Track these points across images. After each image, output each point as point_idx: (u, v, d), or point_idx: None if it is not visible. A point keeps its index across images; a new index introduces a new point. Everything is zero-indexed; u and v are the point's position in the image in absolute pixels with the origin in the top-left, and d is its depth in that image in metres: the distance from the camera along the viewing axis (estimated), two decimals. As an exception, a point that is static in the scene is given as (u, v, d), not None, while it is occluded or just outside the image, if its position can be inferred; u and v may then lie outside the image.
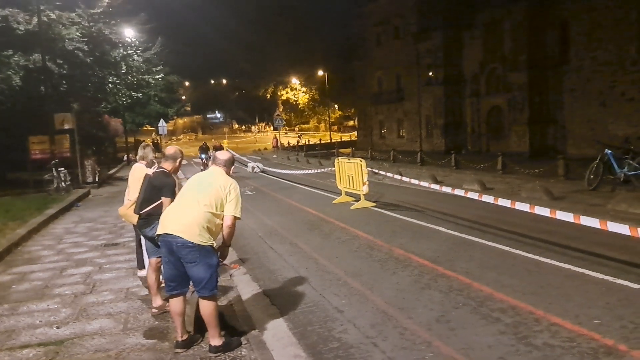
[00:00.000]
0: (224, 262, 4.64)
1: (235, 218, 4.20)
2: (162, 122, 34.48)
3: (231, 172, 4.46)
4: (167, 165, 5.09)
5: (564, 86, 27.79)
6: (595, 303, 4.98)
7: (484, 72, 33.02)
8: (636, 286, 5.36)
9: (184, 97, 72.87)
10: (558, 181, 13.84)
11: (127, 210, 5.56)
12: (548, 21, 28.32)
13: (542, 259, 6.65)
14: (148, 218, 4.95)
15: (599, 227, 5.86)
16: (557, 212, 6.65)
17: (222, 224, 4.19)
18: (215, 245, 4.18)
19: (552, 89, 28.48)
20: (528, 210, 7.29)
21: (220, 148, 26.51)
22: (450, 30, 35.61)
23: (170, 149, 5.31)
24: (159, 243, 4.24)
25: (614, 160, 11.80)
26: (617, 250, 6.69)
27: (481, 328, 4.59)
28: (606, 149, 12.13)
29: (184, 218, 4.08)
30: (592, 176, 12.19)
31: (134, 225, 5.63)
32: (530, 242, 7.57)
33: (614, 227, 5.71)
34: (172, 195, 4.72)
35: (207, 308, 4.19)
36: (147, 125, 47.48)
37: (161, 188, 4.85)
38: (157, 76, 32.26)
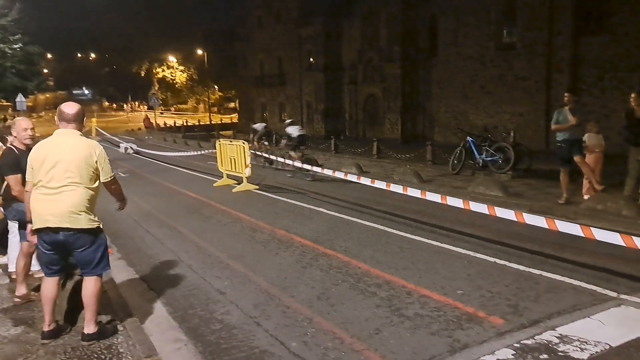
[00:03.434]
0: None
1: (115, 180, 4.09)
2: (20, 97, 30.98)
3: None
4: (17, 143, 4.71)
5: (432, 78, 29.80)
6: (458, 275, 5.48)
7: (362, 61, 34.24)
8: (492, 259, 5.98)
9: (46, 71, 66.15)
10: (426, 166, 14.92)
11: None
12: (420, 15, 30.09)
13: (413, 236, 7.15)
14: (4, 202, 4.51)
15: (463, 207, 6.44)
16: (427, 193, 7.18)
17: (96, 193, 3.94)
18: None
19: (422, 80, 30.38)
20: (401, 192, 7.78)
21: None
22: (331, 18, 36.34)
23: (18, 122, 4.89)
24: (39, 238, 3.81)
25: (474, 147, 12.97)
26: (477, 228, 7.40)
27: (359, 303, 4.83)
28: (468, 137, 13.30)
29: (61, 203, 3.70)
30: (455, 161, 13.34)
31: None
32: (403, 222, 8.10)
33: (475, 207, 6.33)
34: (14, 172, 4.42)
35: (92, 288, 3.91)
36: (3, 100, 42.51)
37: (7, 167, 4.50)
38: (15, 46, 28.85)
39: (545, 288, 5.03)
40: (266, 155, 15.87)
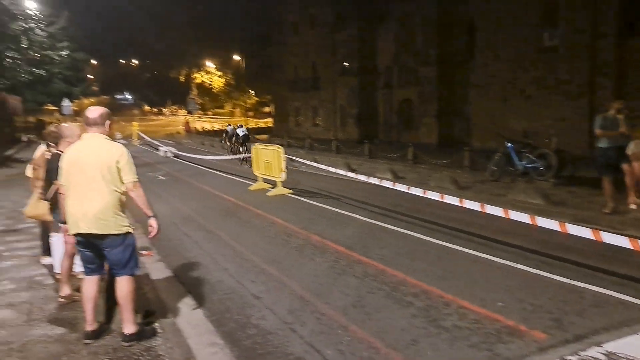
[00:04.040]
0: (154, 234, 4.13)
1: (138, 184, 3.97)
2: (66, 102, 32.09)
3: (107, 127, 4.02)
4: (63, 147, 4.78)
5: (470, 81, 29.30)
6: (498, 286, 5.34)
7: (397, 64, 34.03)
8: (534, 271, 5.81)
9: (91, 76, 68.38)
10: (464, 172, 14.67)
11: (37, 209, 5.18)
12: (456, 18, 29.69)
13: (450, 245, 7.01)
14: (55, 203, 4.63)
15: (503, 215, 6.27)
16: (465, 201, 7.03)
17: (125, 196, 3.95)
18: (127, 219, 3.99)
19: (459, 83, 29.92)
20: (438, 199, 7.65)
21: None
22: (365, 22, 36.30)
23: (64, 128, 4.99)
24: (75, 238, 3.95)
25: (514, 154, 12.66)
26: (517, 237, 7.20)
27: (395, 312, 4.76)
28: (507, 143, 12.98)
29: (90, 209, 3.79)
30: (494, 168, 13.04)
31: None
32: (439, 230, 7.96)
33: (516, 215, 6.16)
34: None
35: (125, 288, 3.98)
36: (50, 105, 44.16)
37: (55, 170, 4.59)
38: (62, 52, 29.91)
39: (591, 302, 4.85)
40: (230, 150, 22.57)
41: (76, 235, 3.91)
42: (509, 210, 6.37)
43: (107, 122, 4.01)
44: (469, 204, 6.91)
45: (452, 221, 8.40)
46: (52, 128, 5.71)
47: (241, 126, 22.98)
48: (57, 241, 5.31)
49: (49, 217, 5.15)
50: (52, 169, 4.63)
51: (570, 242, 6.50)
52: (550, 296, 5.03)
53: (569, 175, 12.17)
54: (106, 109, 4.08)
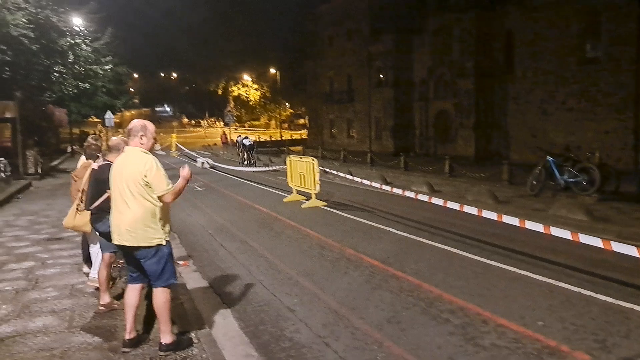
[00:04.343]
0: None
1: (170, 192, 3.92)
2: (109, 114, 33.17)
3: (149, 136, 4.04)
4: (112, 157, 4.90)
5: (508, 93, 28.83)
6: (539, 305, 5.18)
7: (433, 76, 33.79)
8: (576, 289, 5.61)
9: (132, 89, 70.54)
10: (502, 186, 14.36)
11: (77, 220, 5.31)
12: (495, 30, 29.32)
13: (488, 261, 6.85)
14: (99, 213, 4.75)
15: (543, 231, 6.10)
16: (504, 216, 6.88)
17: (162, 204, 3.95)
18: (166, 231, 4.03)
19: (497, 95, 29.49)
20: (476, 213, 7.50)
21: None
22: (401, 35, 36.24)
23: (113, 140, 5.12)
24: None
25: (555, 168, 12.30)
26: (559, 255, 6.98)
27: (431, 329, 4.67)
28: (548, 156, 12.64)
29: (122, 221, 3.90)
30: (534, 182, 12.70)
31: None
32: (477, 245, 7.80)
33: (557, 231, 5.98)
34: None
35: (160, 298, 4.03)
36: (93, 117, 45.73)
37: (106, 181, 4.68)
38: (106, 67, 31.02)
39: (637, 323, 4.64)
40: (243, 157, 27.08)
41: (116, 245, 4.05)
42: (550, 226, 6.19)
43: (145, 135, 4.03)
44: (508, 219, 6.75)
45: (490, 236, 8.22)
46: (90, 140, 5.84)
47: (247, 137, 28.68)
48: (95, 250, 5.45)
49: (87, 229, 5.27)
50: (101, 180, 4.66)
51: (615, 260, 6.27)
52: (594, 316, 4.84)
53: (613, 191, 11.75)
54: (144, 122, 4.13)
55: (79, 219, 5.30)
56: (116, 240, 3.97)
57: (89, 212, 5.03)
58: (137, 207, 3.87)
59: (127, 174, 3.89)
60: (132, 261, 4.09)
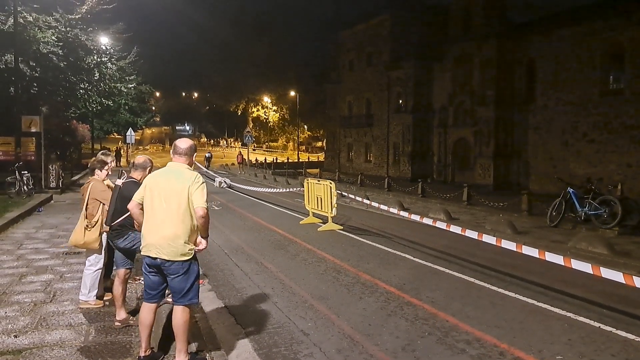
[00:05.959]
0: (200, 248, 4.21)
1: (205, 209, 3.98)
2: (130, 132, 33.87)
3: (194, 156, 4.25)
4: (137, 175, 5.01)
5: (529, 123, 28.70)
6: (557, 339, 5.07)
7: (453, 104, 33.84)
8: (596, 324, 5.48)
9: (154, 108, 71.83)
10: (521, 216, 14.18)
11: (86, 237, 5.36)
12: (516, 59, 29.36)
13: (506, 292, 6.75)
14: (121, 229, 4.82)
15: (564, 264, 6.00)
16: (523, 247, 6.79)
17: (195, 221, 4.01)
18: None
19: (517, 125, 29.37)
20: (494, 243, 7.42)
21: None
22: (422, 61, 36.48)
23: (139, 158, 5.21)
24: (145, 261, 4.07)
25: (576, 199, 12.12)
26: (578, 288, 6.85)
27: (447, 359, 4.60)
28: (569, 188, 12.48)
29: (162, 234, 3.93)
30: (554, 213, 12.51)
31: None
32: (495, 275, 7.69)
33: (578, 265, 5.87)
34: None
35: (181, 317, 4.03)
36: (115, 133, 46.61)
37: (130, 198, 4.73)
38: (130, 85, 31.75)
39: (660, 362, 4.51)
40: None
41: (146, 257, 4.02)
42: (571, 259, 6.09)
43: (194, 154, 4.24)
44: (527, 250, 6.66)
45: (507, 267, 8.11)
46: (99, 155, 5.85)
47: (210, 152, 37.22)
48: (90, 273, 5.52)
49: (94, 246, 5.34)
50: (126, 197, 4.66)
51: (636, 296, 6.13)
52: (614, 352, 4.72)
53: (634, 225, 11.52)
54: (194, 143, 4.31)
55: (88, 235, 5.34)
56: (153, 254, 3.94)
57: (96, 229, 5.10)
58: (182, 222, 3.94)
59: (176, 189, 3.96)
60: (158, 276, 4.09)
